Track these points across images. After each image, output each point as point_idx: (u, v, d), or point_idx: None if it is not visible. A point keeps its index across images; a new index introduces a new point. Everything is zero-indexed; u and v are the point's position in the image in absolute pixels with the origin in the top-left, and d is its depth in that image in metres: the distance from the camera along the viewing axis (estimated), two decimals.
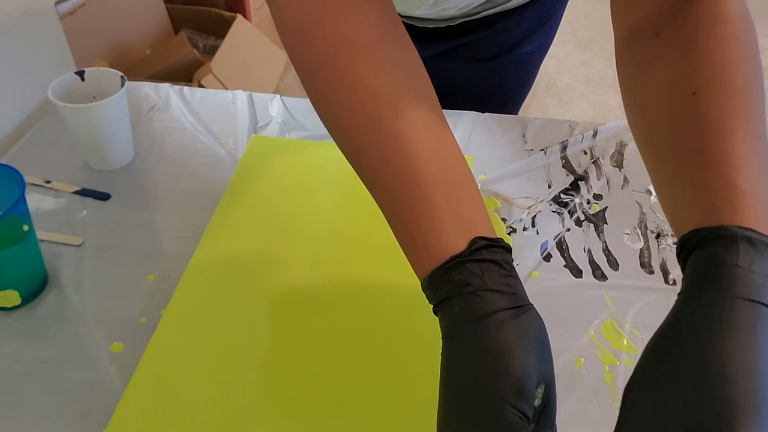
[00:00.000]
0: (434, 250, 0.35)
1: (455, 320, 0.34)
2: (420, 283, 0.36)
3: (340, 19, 0.39)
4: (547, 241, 0.63)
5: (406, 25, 0.76)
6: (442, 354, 0.34)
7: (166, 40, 1.86)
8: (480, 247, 0.34)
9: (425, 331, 0.52)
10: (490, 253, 0.34)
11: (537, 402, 0.34)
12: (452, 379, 0.33)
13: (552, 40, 0.83)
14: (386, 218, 0.39)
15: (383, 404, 0.47)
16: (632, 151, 0.75)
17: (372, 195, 0.39)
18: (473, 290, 0.33)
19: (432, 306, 0.36)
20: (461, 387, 0.32)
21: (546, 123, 0.78)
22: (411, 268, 0.58)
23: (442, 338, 0.34)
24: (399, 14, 0.75)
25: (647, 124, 0.41)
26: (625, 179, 0.71)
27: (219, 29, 1.85)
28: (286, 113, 0.78)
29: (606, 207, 0.67)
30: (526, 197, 0.68)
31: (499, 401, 0.31)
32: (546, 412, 0.34)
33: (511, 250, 0.36)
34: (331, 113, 0.40)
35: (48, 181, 0.67)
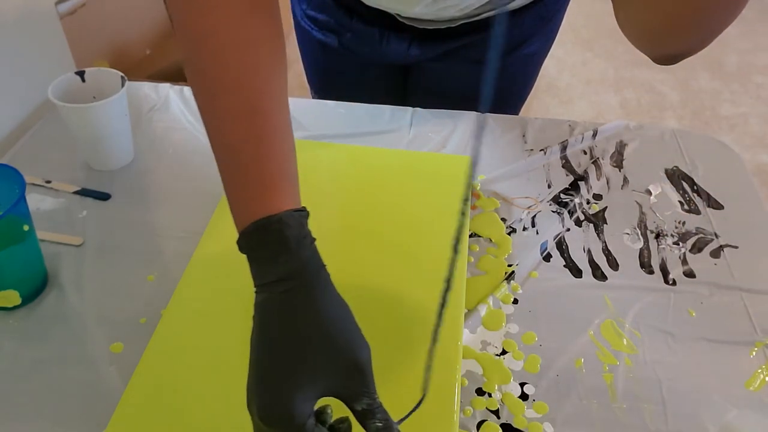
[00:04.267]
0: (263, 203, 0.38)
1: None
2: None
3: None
4: (546, 241, 0.63)
5: (408, 27, 0.76)
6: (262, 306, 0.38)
7: (166, 40, 1.86)
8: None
9: (426, 329, 0.52)
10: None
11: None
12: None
13: (553, 42, 0.83)
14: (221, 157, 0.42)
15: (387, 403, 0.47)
16: (632, 151, 0.75)
17: (216, 132, 0.42)
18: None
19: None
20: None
21: (546, 123, 0.78)
22: (411, 267, 0.58)
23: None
24: (398, 14, 0.75)
25: None
26: (625, 179, 0.71)
27: None
28: None
29: (606, 207, 0.67)
30: (526, 197, 0.68)
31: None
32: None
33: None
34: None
35: (48, 181, 0.67)
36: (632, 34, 0.44)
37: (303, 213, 0.39)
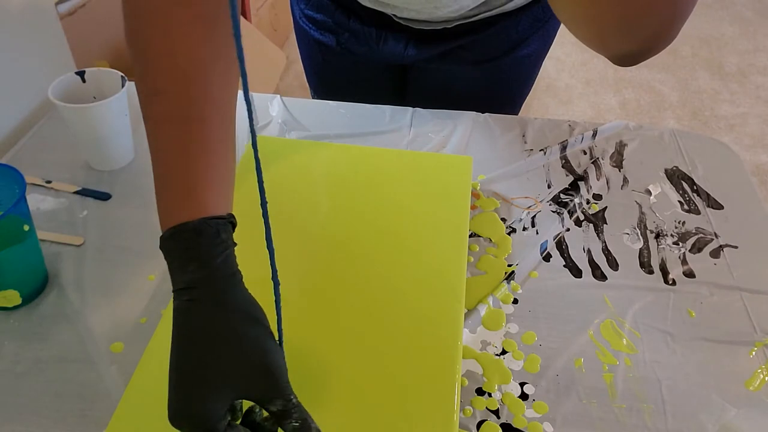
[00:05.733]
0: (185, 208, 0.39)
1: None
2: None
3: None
4: (546, 241, 0.63)
5: (405, 27, 0.77)
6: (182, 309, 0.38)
7: None
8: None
9: (427, 327, 0.52)
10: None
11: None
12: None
13: (551, 43, 0.83)
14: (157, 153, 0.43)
15: (386, 402, 0.47)
16: (632, 151, 0.75)
17: (150, 137, 0.43)
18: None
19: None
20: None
21: (545, 123, 0.78)
22: (411, 267, 0.58)
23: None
24: (394, 15, 0.76)
25: None
26: (625, 179, 0.71)
27: None
28: (286, 113, 0.78)
29: (605, 207, 0.68)
30: (526, 197, 0.68)
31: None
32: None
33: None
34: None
35: (48, 181, 0.67)
36: (578, 34, 0.45)
37: (221, 221, 0.40)
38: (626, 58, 0.44)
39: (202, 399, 0.36)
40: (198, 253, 0.38)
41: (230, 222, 0.41)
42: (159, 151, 0.42)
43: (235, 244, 0.41)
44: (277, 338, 0.40)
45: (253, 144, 0.34)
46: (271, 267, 0.38)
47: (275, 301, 0.39)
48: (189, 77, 0.43)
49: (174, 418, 0.36)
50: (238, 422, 0.39)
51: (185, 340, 0.37)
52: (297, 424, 0.37)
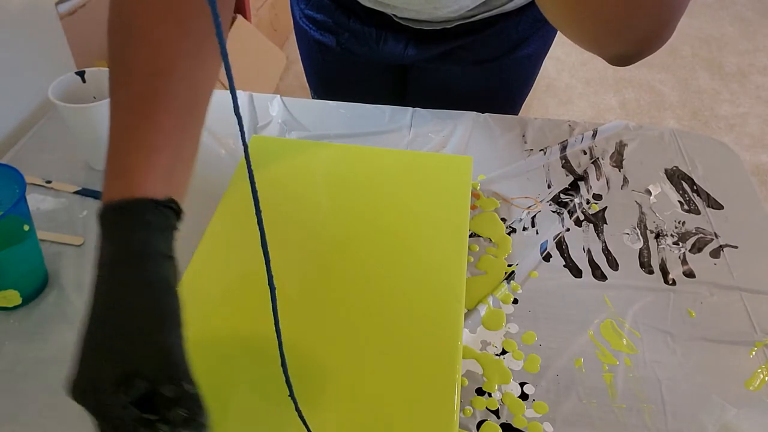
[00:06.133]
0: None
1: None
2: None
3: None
4: (546, 241, 0.63)
5: (405, 27, 0.76)
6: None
7: None
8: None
9: (427, 327, 0.52)
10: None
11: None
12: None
13: (551, 43, 0.83)
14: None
15: (386, 402, 0.47)
16: (632, 151, 0.75)
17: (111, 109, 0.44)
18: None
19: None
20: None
21: (545, 123, 0.78)
22: (412, 267, 0.58)
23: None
24: (394, 15, 0.76)
25: None
26: (625, 179, 0.71)
27: None
28: (286, 113, 0.78)
29: (605, 207, 0.68)
30: (526, 197, 0.68)
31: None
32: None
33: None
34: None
35: (48, 181, 0.67)
36: (570, 36, 0.45)
37: (148, 202, 0.40)
38: (621, 59, 0.44)
39: (91, 368, 0.35)
40: (112, 232, 0.39)
41: (167, 206, 0.40)
42: (110, 129, 0.43)
43: (174, 228, 0.41)
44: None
45: (245, 151, 0.33)
46: (267, 273, 0.37)
47: (272, 307, 0.39)
48: (159, 68, 0.43)
49: (68, 386, 0.36)
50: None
51: (88, 315, 0.37)
52: (184, 414, 0.35)
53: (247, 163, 0.33)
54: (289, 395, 0.41)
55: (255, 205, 0.35)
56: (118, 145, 0.42)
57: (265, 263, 0.37)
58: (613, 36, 0.42)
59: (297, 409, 0.41)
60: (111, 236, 0.39)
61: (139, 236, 0.39)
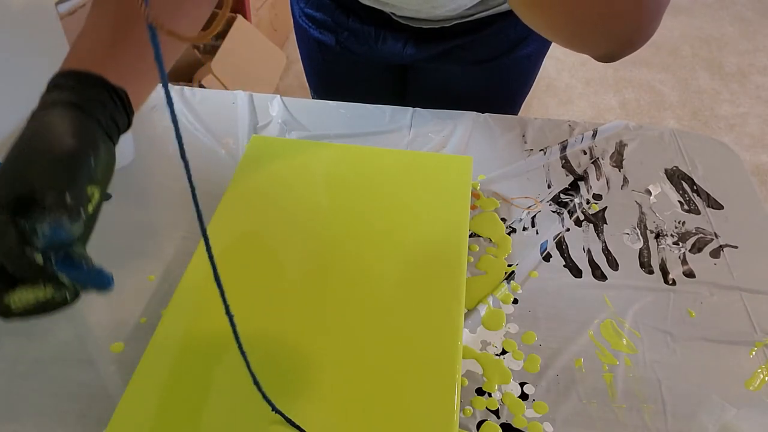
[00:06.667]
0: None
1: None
2: None
3: None
4: (546, 240, 0.63)
5: (404, 26, 0.77)
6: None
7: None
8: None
9: (427, 327, 0.52)
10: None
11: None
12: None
13: (551, 43, 0.83)
14: None
15: (386, 402, 0.47)
16: (632, 151, 0.75)
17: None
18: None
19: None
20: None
21: (546, 123, 0.78)
22: (411, 266, 0.58)
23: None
24: (392, 13, 0.76)
25: None
26: (625, 179, 0.71)
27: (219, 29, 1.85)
28: (286, 113, 0.78)
29: (605, 207, 0.68)
30: (526, 197, 0.68)
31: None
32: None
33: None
34: None
35: None
36: (553, 40, 0.45)
37: (84, 73, 0.42)
38: (605, 58, 0.45)
39: None
40: (54, 84, 0.42)
41: (107, 88, 0.42)
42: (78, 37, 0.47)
43: (101, 102, 0.42)
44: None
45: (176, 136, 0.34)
46: (224, 303, 0.39)
47: (233, 333, 0.40)
48: None
49: None
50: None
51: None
52: (52, 224, 0.34)
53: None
54: (254, 382, 0.42)
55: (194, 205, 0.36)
56: (82, 42, 0.46)
57: (221, 296, 0.37)
58: (589, 41, 0.42)
59: (266, 398, 0.42)
60: (48, 89, 0.41)
61: (54, 96, 0.40)
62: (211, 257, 0.37)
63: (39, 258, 0.34)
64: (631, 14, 0.39)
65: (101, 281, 0.37)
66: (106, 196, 0.67)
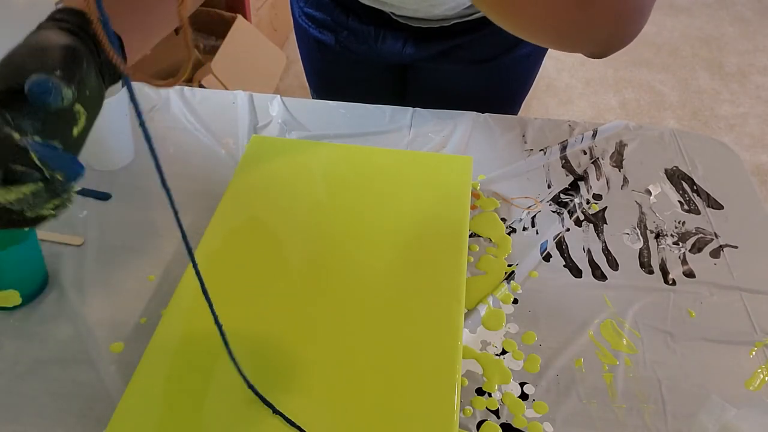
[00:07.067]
0: None
1: None
2: None
3: None
4: (546, 240, 0.63)
5: (403, 26, 0.77)
6: None
7: (166, 40, 1.86)
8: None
9: (427, 327, 0.52)
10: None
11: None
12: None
13: None
14: None
15: (386, 402, 0.47)
16: (632, 151, 0.75)
17: None
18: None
19: None
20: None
21: (545, 123, 0.78)
22: (411, 267, 0.58)
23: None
24: (392, 13, 0.76)
25: None
26: (625, 179, 0.71)
27: (219, 29, 1.85)
28: (286, 113, 0.78)
29: (605, 207, 0.68)
30: (526, 197, 0.68)
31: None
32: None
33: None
34: None
35: None
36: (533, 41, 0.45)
37: (78, 12, 0.41)
38: (592, 56, 0.45)
39: None
40: (52, 17, 0.40)
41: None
42: None
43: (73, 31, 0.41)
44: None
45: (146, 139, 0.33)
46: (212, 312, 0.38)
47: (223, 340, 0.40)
48: None
49: None
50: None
51: None
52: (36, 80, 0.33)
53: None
54: (248, 386, 0.41)
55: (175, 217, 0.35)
56: None
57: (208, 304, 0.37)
58: (570, 46, 0.42)
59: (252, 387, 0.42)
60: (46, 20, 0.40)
61: (51, 23, 0.39)
62: (198, 273, 0.37)
63: (17, 136, 0.33)
64: (607, 20, 0.39)
65: (72, 167, 0.36)
66: (106, 196, 0.67)
